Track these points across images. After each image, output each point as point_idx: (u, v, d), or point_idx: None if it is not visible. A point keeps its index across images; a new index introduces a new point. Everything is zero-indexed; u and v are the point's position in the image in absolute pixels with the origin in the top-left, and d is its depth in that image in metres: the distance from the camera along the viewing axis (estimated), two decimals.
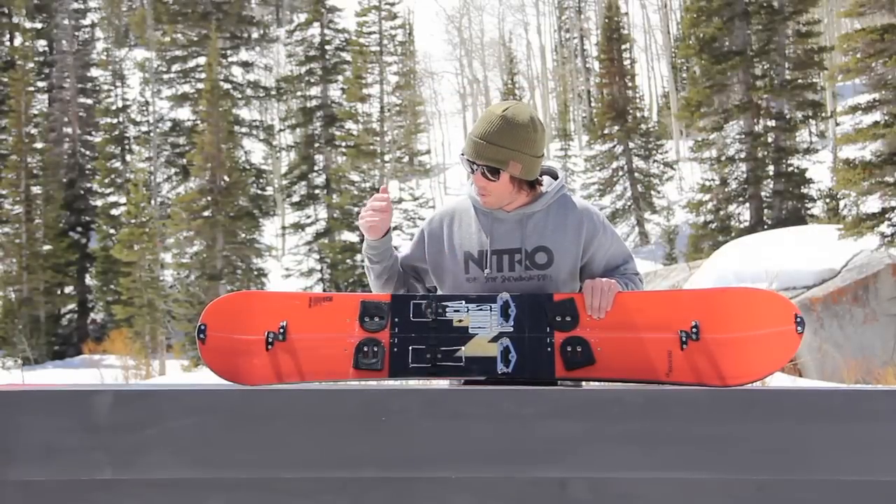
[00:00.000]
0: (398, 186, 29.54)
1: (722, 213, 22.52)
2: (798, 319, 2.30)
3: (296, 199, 30.82)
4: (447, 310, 2.45)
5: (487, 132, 2.48)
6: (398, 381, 2.58)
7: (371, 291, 2.69)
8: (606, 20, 30.10)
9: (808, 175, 22.21)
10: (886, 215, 14.35)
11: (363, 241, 2.68)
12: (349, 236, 28.30)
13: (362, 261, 2.73)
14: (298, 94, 31.87)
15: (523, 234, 2.57)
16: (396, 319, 2.45)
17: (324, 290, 27.37)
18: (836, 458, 2.07)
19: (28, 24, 34.87)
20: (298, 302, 2.49)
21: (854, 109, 15.79)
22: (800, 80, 22.40)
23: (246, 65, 33.34)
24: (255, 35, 34.75)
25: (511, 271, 2.56)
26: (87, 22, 35.00)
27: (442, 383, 2.65)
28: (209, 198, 25.31)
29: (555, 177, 2.65)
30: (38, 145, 29.12)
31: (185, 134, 31.34)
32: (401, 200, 28.82)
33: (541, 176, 2.62)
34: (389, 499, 2.09)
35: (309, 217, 30.10)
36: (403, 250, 2.74)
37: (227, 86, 30.15)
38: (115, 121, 31.97)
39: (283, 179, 32.86)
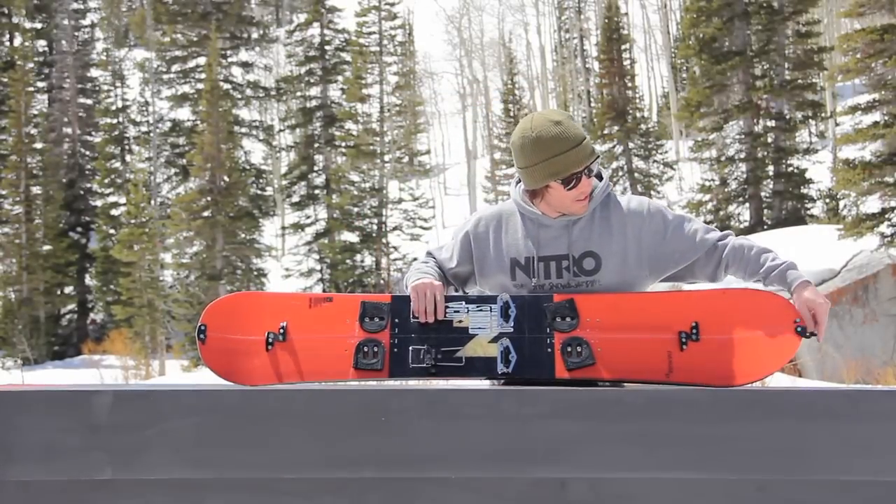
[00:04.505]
0: (398, 186, 29.54)
1: (722, 213, 22.54)
2: (797, 320, 2.31)
3: (296, 199, 30.81)
4: (447, 310, 2.45)
5: (575, 135, 2.44)
6: (398, 381, 2.58)
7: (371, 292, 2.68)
8: (606, 20, 30.10)
9: (808, 175, 22.22)
10: (886, 215, 14.35)
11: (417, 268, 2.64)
12: (349, 236, 28.30)
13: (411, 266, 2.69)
14: (298, 94, 31.87)
15: (570, 240, 2.51)
16: (396, 320, 2.45)
17: (323, 291, 27.36)
18: (835, 458, 2.07)
19: (28, 24, 34.87)
20: (298, 302, 2.50)
21: (854, 109, 15.81)
22: (800, 80, 22.42)
23: (246, 65, 33.32)
24: (254, 35, 34.73)
25: (559, 278, 2.51)
26: (87, 22, 35.01)
27: (442, 383, 2.65)
28: (209, 198, 25.31)
29: (599, 178, 2.58)
30: (38, 145, 29.10)
31: (185, 134, 31.33)
32: (401, 200, 28.82)
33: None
34: (389, 499, 2.09)
35: (309, 217, 30.09)
36: (444, 255, 2.66)
37: (226, 86, 30.14)
38: (115, 121, 31.96)
39: (282, 179, 32.86)
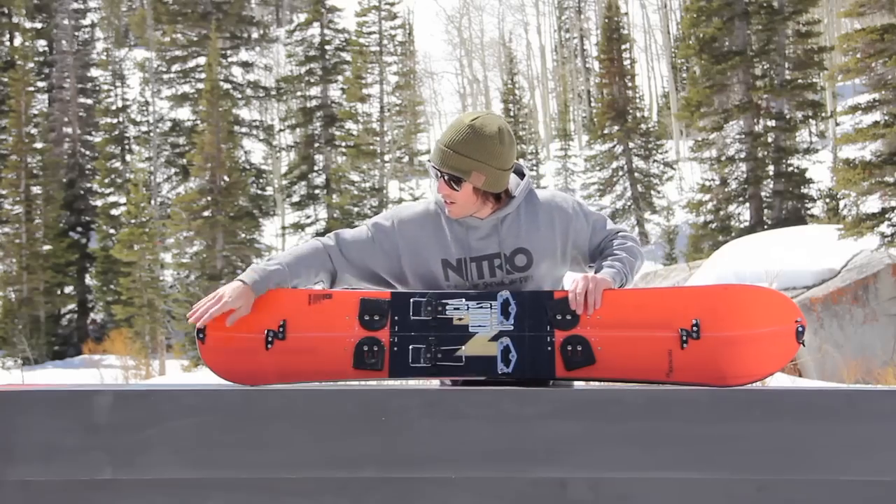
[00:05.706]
0: (398, 186, 29.55)
1: (722, 213, 22.53)
2: (798, 319, 2.31)
3: (296, 199, 30.82)
4: (447, 308, 2.43)
5: (453, 140, 2.44)
6: (398, 381, 2.58)
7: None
8: (606, 20, 30.09)
9: (808, 175, 22.22)
10: (886, 215, 14.33)
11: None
12: None
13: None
14: (298, 94, 31.87)
15: (500, 239, 2.53)
16: (396, 318, 2.44)
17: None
18: (835, 458, 2.07)
19: (28, 24, 34.86)
20: (297, 299, 2.48)
21: (854, 109, 15.78)
22: (800, 80, 22.40)
23: (246, 65, 33.33)
24: (255, 35, 34.76)
25: (492, 277, 2.53)
26: (87, 22, 35.01)
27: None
28: (209, 198, 25.30)
29: (521, 175, 2.61)
30: (38, 145, 29.08)
31: (185, 134, 31.34)
32: (401, 200, 28.82)
33: None
34: (389, 499, 2.09)
35: (309, 217, 30.10)
36: (360, 245, 2.56)
37: (227, 86, 30.14)
38: (115, 121, 31.96)
39: (283, 179, 32.87)
